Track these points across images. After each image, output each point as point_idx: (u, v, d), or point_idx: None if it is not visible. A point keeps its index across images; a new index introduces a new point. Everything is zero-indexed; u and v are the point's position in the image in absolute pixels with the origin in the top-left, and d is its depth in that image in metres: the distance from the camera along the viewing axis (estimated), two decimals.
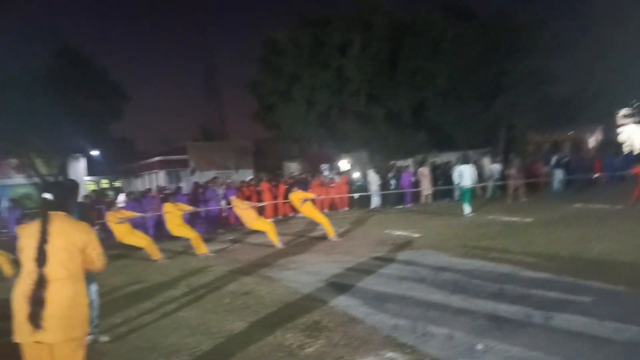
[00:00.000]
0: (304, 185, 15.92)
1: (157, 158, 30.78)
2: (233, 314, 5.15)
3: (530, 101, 19.05)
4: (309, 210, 10.23)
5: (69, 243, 2.67)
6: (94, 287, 4.87)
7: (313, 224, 11.89)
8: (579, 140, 23.81)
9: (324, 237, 10.16)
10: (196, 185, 14.57)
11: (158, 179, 28.80)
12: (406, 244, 8.76)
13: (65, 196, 2.89)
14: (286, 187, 14.16)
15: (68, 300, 2.58)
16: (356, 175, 16.94)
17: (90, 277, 4.88)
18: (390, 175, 16.54)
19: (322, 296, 5.59)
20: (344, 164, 25.56)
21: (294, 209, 13.06)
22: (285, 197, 12.08)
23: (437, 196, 16.55)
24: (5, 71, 20.35)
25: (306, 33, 22.20)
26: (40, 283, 2.52)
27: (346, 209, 16.55)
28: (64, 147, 22.23)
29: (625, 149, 19.75)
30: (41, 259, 2.56)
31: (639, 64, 18.56)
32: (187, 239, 9.64)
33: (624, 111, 23.49)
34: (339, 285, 6.06)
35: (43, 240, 2.59)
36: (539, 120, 20.16)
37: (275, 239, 9.62)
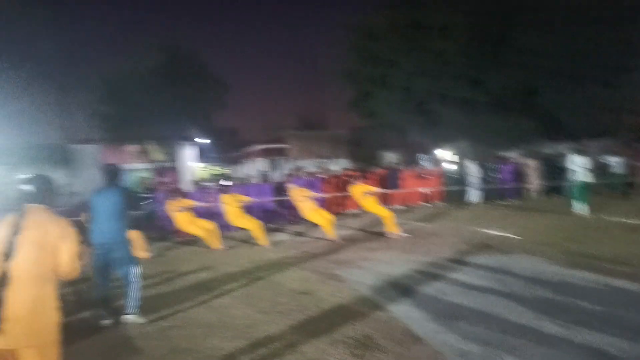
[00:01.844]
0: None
1: (258, 146, 31.86)
2: (285, 317, 4.71)
3: None
4: (371, 204, 9.56)
5: (43, 238, 2.39)
6: (136, 270, 4.92)
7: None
8: None
9: (405, 231, 9.42)
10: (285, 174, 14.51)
11: (259, 167, 29.79)
12: (499, 246, 7.67)
13: (46, 189, 2.64)
14: (348, 179, 13.55)
15: (31, 302, 2.29)
16: (453, 166, 15.63)
17: (132, 260, 4.93)
18: (491, 166, 15.03)
19: (384, 303, 4.92)
20: (442, 154, 24.05)
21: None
22: (347, 190, 11.26)
23: (546, 191, 14.68)
24: (125, 66, 22.36)
25: (403, 15, 21.07)
26: (3, 281, 2.27)
27: (438, 202, 15.42)
28: (175, 135, 23.82)
29: None
30: (9, 252, 2.31)
31: None
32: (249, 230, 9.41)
33: None
34: (407, 291, 5.33)
35: (15, 232, 2.35)
36: None
37: (331, 233, 9.12)
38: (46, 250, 2.40)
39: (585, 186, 10.87)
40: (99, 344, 4.28)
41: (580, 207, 10.68)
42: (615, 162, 14.34)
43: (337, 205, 14.43)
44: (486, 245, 7.81)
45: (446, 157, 22.47)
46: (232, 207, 9.16)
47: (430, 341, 3.88)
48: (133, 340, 4.32)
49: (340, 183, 14.10)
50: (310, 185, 12.42)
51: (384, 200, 14.83)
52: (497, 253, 7.18)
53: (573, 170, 10.94)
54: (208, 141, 29.89)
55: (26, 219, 2.43)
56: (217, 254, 8.59)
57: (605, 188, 14.13)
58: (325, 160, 27.06)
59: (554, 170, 14.38)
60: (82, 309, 5.34)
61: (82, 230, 7.67)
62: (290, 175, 11.38)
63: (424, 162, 21.06)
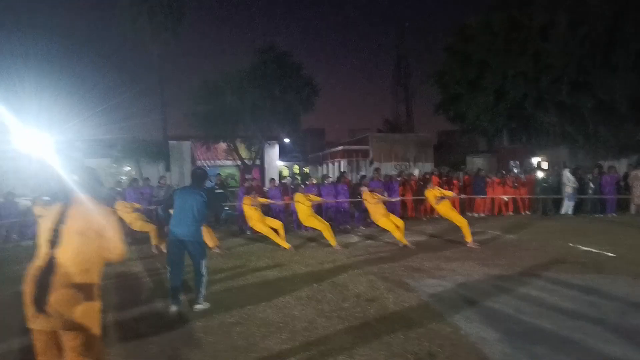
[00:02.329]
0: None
1: (340, 147, 31.95)
2: (346, 323, 4.56)
3: None
4: (445, 210, 9.09)
5: (86, 227, 2.46)
6: (205, 264, 5.18)
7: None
8: None
9: (485, 241, 8.84)
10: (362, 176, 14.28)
11: (340, 167, 29.87)
12: (593, 265, 6.89)
13: (92, 180, 2.73)
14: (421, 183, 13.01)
15: (74, 288, 2.36)
16: (545, 174, 14.43)
17: (202, 252, 5.17)
18: (590, 177, 13.65)
19: (454, 318, 4.57)
20: (537, 162, 22.38)
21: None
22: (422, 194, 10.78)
23: None
24: (221, 67, 23.57)
25: (501, 16, 19.94)
26: (50, 266, 2.36)
27: (527, 212, 14.32)
28: (262, 135, 24.63)
29: None
30: (54, 240, 2.41)
31: None
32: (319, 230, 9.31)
33: None
34: (480, 308, 4.91)
35: (60, 221, 2.45)
36: None
37: (402, 239, 8.77)
38: (90, 237, 2.47)
39: None
40: (161, 335, 4.41)
41: None
42: None
43: (413, 210, 14.00)
44: (576, 262, 7.06)
45: (541, 164, 20.90)
46: (304, 206, 9.20)
47: None
48: (194, 333, 4.42)
49: (418, 187, 13.66)
50: (386, 189, 12.14)
51: (465, 207, 14.11)
52: (588, 271, 6.44)
53: None
54: (293, 141, 30.57)
55: (71, 208, 2.52)
56: (286, 252, 8.63)
57: None
58: (406, 164, 26.47)
59: None
60: (154, 299, 5.64)
61: (160, 221, 8.16)
62: (364, 177, 11.16)
63: (515, 169, 19.70)
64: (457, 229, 9.12)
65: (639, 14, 16.11)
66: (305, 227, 10.41)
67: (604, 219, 12.64)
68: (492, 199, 14.32)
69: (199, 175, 5.50)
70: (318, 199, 9.82)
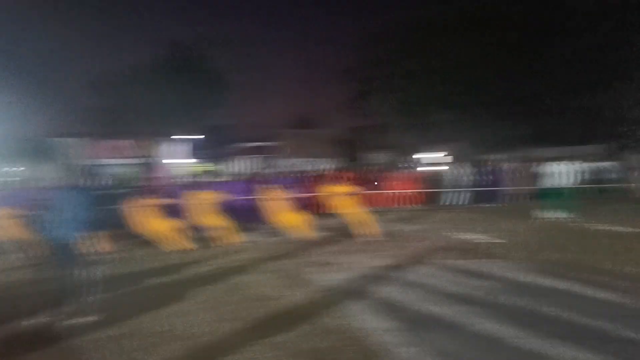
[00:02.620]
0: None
1: (252, 143, 31.62)
2: (246, 325, 4.45)
3: None
4: (347, 204, 9.32)
5: None
6: (93, 270, 4.91)
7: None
8: None
9: (384, 234, 9.20)
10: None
11: (252, 163, 29.53)
12: (482, 251, 7.45)
13: None
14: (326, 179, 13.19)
15: None
16: (441, 168, 15.41)
17: (88, 259, 4.84)
18: (478, 169, 14.81)
19: (349, 311, 4.66)
20: (433, 156, 23.85)
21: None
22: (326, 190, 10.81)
23: (530, 196, 14.42)
24: (120, 61, 22.08)
25: (407, 16, 20.96)
26: None
27: (421, 204, 15.07)
28: (164, 131, 23.51)
29: None
30: None
31: None
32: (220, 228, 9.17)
33: None
34: (376, 299, 5.06)
35: None
36: None
37: (307, 234, 8.94)
38: None
39: (570, 192, 10.75)
40: (45, 351, 4.00)
41: (562, 213, 10.52)
42: (607, 168, 14.16)
43: (316, 206, 14.04)
44: (464, 250, 7.60)
45: (437, 159, 22.30)
46: (202, 204, 8.90)
47: (392, 356, 3.62)
48: (81, 349, 4.05)
49: (321, 183, 13.79)
50: (294, 184, 12.17)
51: (365, 201, 14.57)
52: (474, 258, 6.96)
53: (556, 176, 10.86)
54: (201, 137, 29.55)
55: None
56: (182, 255, 8.25)
57: (595, 194, 13.94)
58: (315, 160, 26.82)
59: (539, 175, 14.15)
60: (36, 311, 5.09)
61: (38, 222, 7.42)
62: (265, 173, 11.09)
63: (410, 164, 20.83)
64: (358, 222, 9.37)
65: (531, 23, 17.69)
66: (207, 225, 9.95)
67: (489, 208, 13.74)
68: (392, 193, 14.91)
69: (79, 170, 5.21)
70: (219, 196, 9.52)
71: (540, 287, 5.32)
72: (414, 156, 25.12)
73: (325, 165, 20.96)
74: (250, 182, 13.06)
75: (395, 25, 21.24)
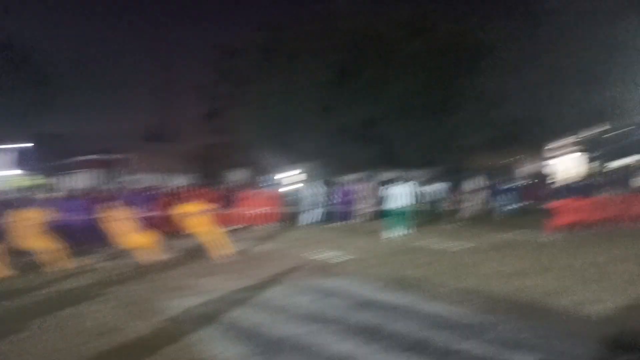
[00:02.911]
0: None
1: (94, 156, 28.76)
2: None
3: (480, 122, 18.57)
4: (200, 223, 9.00)
5: None
6: None
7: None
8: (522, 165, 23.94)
9: (236, 254, 9.03)
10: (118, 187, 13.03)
11: (92, 178, 26.78)
12: (325, 269, 7.77)
13: None
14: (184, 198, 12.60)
15: None
16: (296, 187, 15.85)
17: None
18: (327, 189, 15.57)
19: (198, 338, 4.40)
20: (289, 175, 24.49)
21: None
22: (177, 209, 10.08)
23: (375, 216, 15.58)
24: None
25: (261, 37, 21.27)
26: None
27: (275, 223, 15.12)
28: None
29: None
30: None
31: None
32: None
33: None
34: (225, 324, 4.89)
35: None
36: (488, 142, 19.74)
37: (154, 255, 8.38)
38: None
39: (406, 211, 11.89)
40: None
41: (398, 231, 11.59)
42: (436, 190, 16.08)
43: (166, 225, 13.03)
44: (318, 267, 7.86)
45: (294, 178, 22.93)
46: (26, 224, 7.68)
47: None
48: None
49: (173, 200, 13.00)
50: (137, 202, 11.26)
51: (220, 220, 14.14)
52: (327, 275, 7.22)
53: (391, 197, 11.91)
54: (29, 146, 25.83)
55: None
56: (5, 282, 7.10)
57: (427, 214, 15.62)
58: (167, 176, 25.45)
59: (383, 196, 15.44)
60: None
61: None
62: (107, 189, 10.12)
63: (266, 182, 21.10)
64: (210, 242, 9.05)
65: (367, 51, 19.26)
66: (32, 249, 8.54)
67: (338, 227, 14.42)
68: (248, 211, 14.71)
69: None
70: (53, 214, 8.33)
71: (388, 302, 5.63)
72: (270, 174, 25.42)
73: (177, 181, 19.97)
74: (90, 198, 11.74)
75: (250, 43, 21.48)
